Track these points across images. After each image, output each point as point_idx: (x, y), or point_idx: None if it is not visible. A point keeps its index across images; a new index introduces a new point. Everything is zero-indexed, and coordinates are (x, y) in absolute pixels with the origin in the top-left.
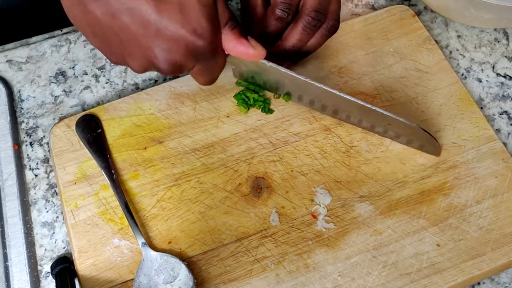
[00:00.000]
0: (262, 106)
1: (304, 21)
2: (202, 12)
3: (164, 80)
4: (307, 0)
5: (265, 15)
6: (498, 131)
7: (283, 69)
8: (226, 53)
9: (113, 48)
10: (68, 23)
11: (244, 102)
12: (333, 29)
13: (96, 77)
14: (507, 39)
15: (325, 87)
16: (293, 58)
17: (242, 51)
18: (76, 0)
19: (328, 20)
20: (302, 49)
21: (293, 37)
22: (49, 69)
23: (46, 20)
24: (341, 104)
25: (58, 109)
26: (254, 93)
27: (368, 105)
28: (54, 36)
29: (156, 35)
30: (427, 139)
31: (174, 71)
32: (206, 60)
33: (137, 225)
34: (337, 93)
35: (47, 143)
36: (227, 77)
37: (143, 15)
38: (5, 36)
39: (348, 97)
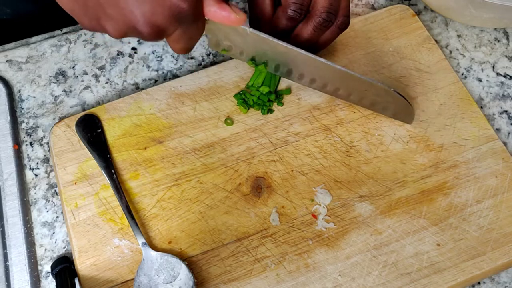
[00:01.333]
0: (261, 108)
1: (315, 22)
2: None
3: (164, 80)
4: (318, 0)
5: (275, 14)
6: (498, 130)
7: (263, 35)
8: (206, 19)
9: (89, 11)
10: (68, 23)
11: (244, 102)
12: (344, 25)
13: (96, 77)
14: (507, 38)
15: (304, 53)
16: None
17: (224, 15)
18: None
19: (338, 17)
20: (311, 46)
21: (303, 36)
22: (49, 69)
23: (46, 20)
24: (318, 72)
25: (58, 109)
26: (251, 95)
27: (345, 69)
28: (54, 36)
29: None
30: (402, 105)
31: (155, 36)
32: (188, 25)
33: (137, 225)
34: (315, 58)
35: (47, 143)
36: (227, 76)
37: None
38: (5, 36)
39: (326, 61)
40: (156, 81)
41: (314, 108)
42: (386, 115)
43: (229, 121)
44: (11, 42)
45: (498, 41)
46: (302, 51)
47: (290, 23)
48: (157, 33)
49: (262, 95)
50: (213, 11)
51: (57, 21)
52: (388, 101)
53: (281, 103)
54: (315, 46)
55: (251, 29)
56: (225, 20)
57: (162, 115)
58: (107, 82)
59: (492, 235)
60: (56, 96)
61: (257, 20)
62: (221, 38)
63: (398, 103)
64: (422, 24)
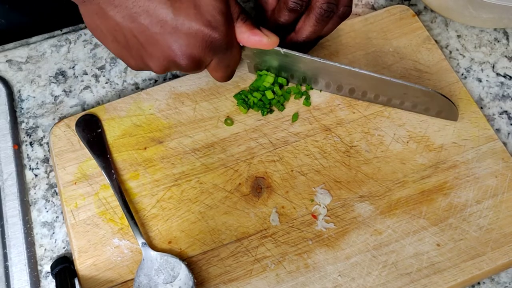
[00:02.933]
0: (261, 109)
1: (317, 13)
2: (214, 6)
3: (164, 80)
4: None
5: (277, 7)
6: (498, 130)
7: (297, 54)
8: (241, 45)
9: (134, 52)
10: (67, 24)
11: (244, 102)
12: (345, 15)
13: (96, 77)
14: (507, 39)
15: (340, 65)
16: (304, 47)
17: (257, 40)
18: (95, 10)
19: (339, 6)
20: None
21: (307, 29)
22: (49, 69)
23: (40, 29)
24: (356, 81)
25: (58, 109)
26: (253, 96)
27: (385, 77)
28: (54, 36)
29: (174, 32)
30: (444, 104)
31: (194, 67)
32: (223, 53)
33: (137, 225)
34: (353, 69)
35: (47, 143)
36: None
37: (159, 15)
38: (5, 36)
39: (364, 71)
40: (156, 81)
41: (314, 108)
42: (429, 115)
43: (229, 121)
44: (6, 36)
45: (498, 41)
46: (338, 64)
47: (292, 15)
48: (195, 64)
49: (263, 97)
50: (246, 37)
51: (50, 29)
52: (429, 101)
53: (308, 103)
54: (318, 36)
55: (284, 50)
56: (257, 44)
57: (162, 115)
58: (107, 82)
59: (492, 235)
60: (56, 96)
61: (262, 15)
62: (259, 62)
63: (440, 103)
64: (422, 25)
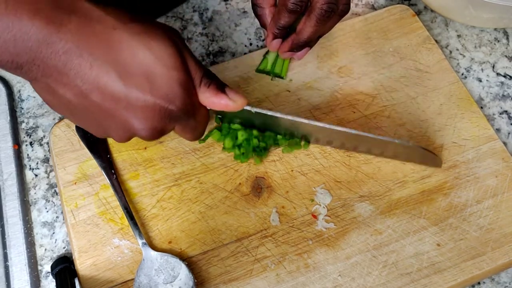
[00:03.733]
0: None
1: (318, 14)
2: (170, 77)
3: None
4: None
5: (276, 9)
6: (498, 130)
7: (269, 112)
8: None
9: (93, 125)
10: None
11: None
12: (344, 12)
13: None
14: (507, 38)
15: (315, 123)
16: (306, 46)
17: (222, 104)
18: (45, 87)
19: (338, 5)
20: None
21: (308, 30)
22: None
23: None
24: (333, 135)
25: None
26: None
27: (363, 133)
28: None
29: (129, 108)
30: (426, 155)
31: (157, 136)
32: (185, 120)
33: (137, 225)
34: (329, 126)
35: (47, 143)
36: (227, 76)
37: (111, 91)
38: None
39: (341, 128)
40: None
41: (314, 108)
42: (413, 162)
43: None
44: None
45: (498, 41)
46: (314, 122)
47: (292, 16)
48: (158, 134)
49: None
50: (211, 102)
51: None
52: (410, 153)
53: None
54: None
55: (255, 109)
56: (224, 108)
57: None
58: None
59: (492, 235)
60: None
61: (260, 18)
62: (228, 117)
63: (421, 154)
64: (422, 24)
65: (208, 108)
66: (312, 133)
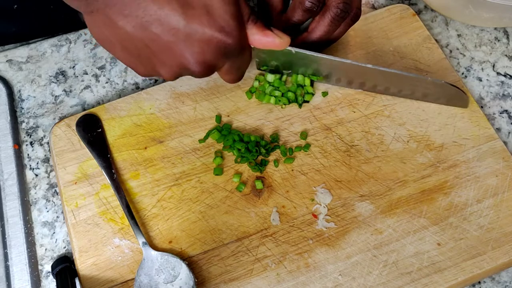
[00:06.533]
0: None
1: (332, 13)
2: (226, 11)
3: (164, 80)
4: None
5: (291, 6)
6: (498, 130)
7: (308, 52)
8: (252, 47)
9: (144, 60)
10: (67, 27)
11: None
12: (356, 17)
13: (96, 76)
14: (507, 38)
15: (352, 62)
16: (314, 48)
17: (269, 41)
18: (103, 20)
19: (352, 8)
20: (326, 41)
21: (320, 29)
22: (49, 69)
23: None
24: (367, 75)
25: (58, 108)
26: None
27: (395, 71)
28: (54, 36)
29: (187, 40)
30: (454, 93)
31: (207, 72)
32: (235, 57)
33: (137, 225)
34: (364, 65)
35: (48, 143)
36: None
37: (171, 23)
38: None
39: (375, 67)
40: (156, 80)
41: (314, 108)
42: (439, 103)
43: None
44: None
45: (498, 40)
46: (347, 60)
47: (306, 15)
48: (208, 70)
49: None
50: (258, 39)
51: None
52: (439, 92)
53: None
54: (328, 40)
55: (296, 49)
56: (270, 45)
57: (162, 114)
58: (107, 82)
59: (493, 234)
60: (56, 96)
61: (267, 15)
62: (268, 60)
63: (450, 92)
64: (422, 24)
65: (254, 46)
66: (346, 73)
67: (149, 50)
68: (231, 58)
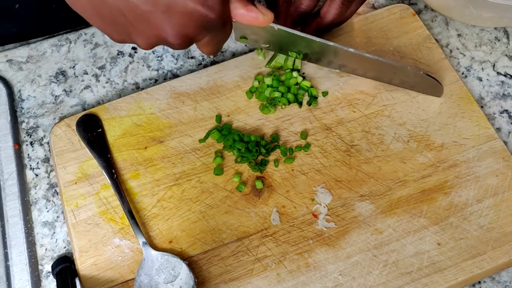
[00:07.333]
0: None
1: None
2: None
3: (164, 80)
4: None
5: None
6: (498, 129)
7: (290, 30)
8: (233, 20)
9: (119, 28)
10: (68, 27)
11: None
12: None
13: (96, 76)
14: (508, 37)
15: (333, 44)
16: (322, 31)
17: (252, 17)
18: None
19: None
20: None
21: (332, 13)
22: (49, 69)
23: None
24: (347, 58)
25: (58, 108)
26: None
27: (377, 57)
28: (54, 36)
29: (167, 12)
30: (431, 83)
31: (185, 45)
32: (216, 31)
33: (137, 225)
34: (345, 48)
35: (48, 143)
36: (227, 76)
37: None
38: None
39: (354, 51)
40: (156, 80)
41: (314, 108)
42: (415, 91)
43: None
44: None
45: (498, 40)
46: (330, 43)
47: (314, 2)
48: (186, 43)
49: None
50: (240, 14)
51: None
52: (417, 81)
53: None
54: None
55: (278, 26)
56: (253, 21)
57: (162, 114)
58: (107, 82)
59: (493, 234)
60: (56, 96)
61: (274, 4)
62: (248, 33)
63: (426, 82)
64: (422, 24)
65: (236, 20)
66: (328, 55)
67: (125, 18)
68: (211, 32)
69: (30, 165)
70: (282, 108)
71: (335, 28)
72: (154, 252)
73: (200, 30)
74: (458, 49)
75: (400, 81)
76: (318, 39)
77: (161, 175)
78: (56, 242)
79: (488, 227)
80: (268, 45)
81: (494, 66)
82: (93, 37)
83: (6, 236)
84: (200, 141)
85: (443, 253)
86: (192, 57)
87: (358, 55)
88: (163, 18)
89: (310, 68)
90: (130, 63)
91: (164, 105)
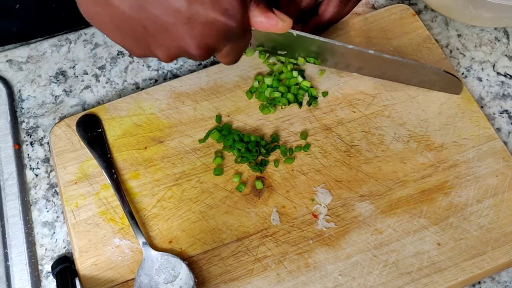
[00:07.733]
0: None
1: None
2: None
3: (164, 80)
4: None
5: None
6: (498, 130)
7: (310, 36)
8: (252, 29)
9: (139, 41)
10: (68, 27)
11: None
12: None
13: (96, 76)
14: (508, 38)
15: (353, 47)
16: (321, 29)
17: (272, 24)
18: None
19: None
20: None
21: (330, 11)
22: (49, 69)
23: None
24: (366, 60)
25: (58, 108)
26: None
27: (393, 57)
28: (54, 36)
29: (188, 23)
30: (449, 81)
31: (206, 56)
32: (237, 40)
33: (137, 225)
34: (365, 50)
35: (48, 143)
36: (227, 76)
37: (172, 4)
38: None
39: (374, 52)
40: (156, 80)
41: (314, 108)
42: (434, 89)
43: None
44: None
45: (498, 40)
46: (349, 46)
47: (313, 0)
48: (207, 53)
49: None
50: (260, 22)
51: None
52: (436, 79)
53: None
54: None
55: (297, 32)
56: (272, 28)
57: (162, 114)
58: (107, 82)
59: (493, 234)
60: (56, 96)
61: (276, 2)
62: (265, 41)
63: (446, 79)
64: (422, 24)
65: (256, 28)
66: (345, 58)
67: (145, 31)
68: (232, 41)
69: (30, 165)
70: (282, 108)
71: (335, 28)
72: (154, 252)
73: (221, 39)
74: (458, 49)
75: (419, 80)
76: (339, 43)
77: (161, 175)
78: (56, 242)
79: (488, 227)
80: (285, 52)
81: (494, 66)
82: (93, 37)
83: (6, 236)
84: (200, 141)
85: (443, 253)
86: None
87: (378, 57)
88: (184, 29)
89: (310, 68)
90: (130, 63)
91: (164, 105)
